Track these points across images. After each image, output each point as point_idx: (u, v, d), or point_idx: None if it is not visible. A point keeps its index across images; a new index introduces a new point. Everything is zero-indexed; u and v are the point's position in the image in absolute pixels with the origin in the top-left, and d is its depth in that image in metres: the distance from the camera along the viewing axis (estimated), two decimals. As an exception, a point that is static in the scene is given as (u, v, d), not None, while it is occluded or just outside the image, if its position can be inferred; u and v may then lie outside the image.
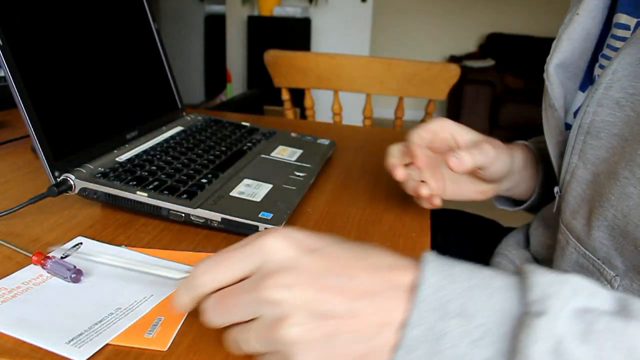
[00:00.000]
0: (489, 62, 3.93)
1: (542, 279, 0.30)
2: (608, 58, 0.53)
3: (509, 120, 3.59)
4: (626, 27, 0.51)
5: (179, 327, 0.39)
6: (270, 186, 0.61)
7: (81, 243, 0.50)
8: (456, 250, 0.79)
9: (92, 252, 0.49)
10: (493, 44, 4.30)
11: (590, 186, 0.51)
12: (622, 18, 0.51)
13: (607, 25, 0.54)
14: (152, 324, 0.39)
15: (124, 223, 0.55)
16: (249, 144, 0.74)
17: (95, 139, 0.62)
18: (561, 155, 0.56)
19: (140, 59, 0.75)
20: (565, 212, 0.54)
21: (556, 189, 0.58)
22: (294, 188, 0.62)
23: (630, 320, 0.29)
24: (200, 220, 0.53)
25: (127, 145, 0.66)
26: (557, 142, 0.57)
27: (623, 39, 0.51)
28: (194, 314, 0.37)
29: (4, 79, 0.53)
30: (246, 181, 0.62)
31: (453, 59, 4.35)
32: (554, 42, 0.56)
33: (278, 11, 3.79)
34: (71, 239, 0.51)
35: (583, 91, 0.57)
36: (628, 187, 0.44)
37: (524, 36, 4.16)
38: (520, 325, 0.29)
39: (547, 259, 0.60)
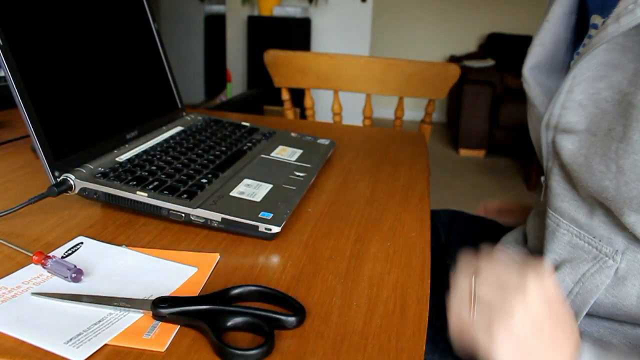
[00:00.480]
0: (489, 62, 3.93)
1: None
2: None
3: (508, 120, 3.58)
4: (596, 27, 0.54)
5: (177, 328, 0.39)
6: (270, 186, 0.61)
7: (82, 243, 0.50)
8: (458, 248, 0.79)
9: (92, 251, 0.49)
10: (493, 44, 4.29)
11: (569, 171, 0.54)
12: (596, 19, 0.54)
13: (584, 26, 0.57)
14: (151, 325, 0.39)
15: (124, 223, 0.55)
16: (249, 144, 0.74)
17: (95, 139, 0.62)
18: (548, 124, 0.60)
19: (140, 59, 0.75)
20: (551, 197, 0.57)
21: (542, 178, 0.61)
22: (294, 188, 0.62)
23: None
24: (200, 220, 0.53)
25: (127, 145, 0.66)
26: (539, 137, 0.60)
27: None
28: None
29: (4, 79, 0.53)
30: (246, 181, 0.62)
31: (453, 59, 4.35)
32: (529, 47, 0.61)
33: (278, 11, 3.79)
34: (71, 239, 0.51)
35: None
36: (604, 181, 0.47)
37: (524, 36, 4.15)
38: None
39: (542, 252, 0.61)
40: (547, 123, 0.56)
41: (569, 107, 0.53)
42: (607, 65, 0.49)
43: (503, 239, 0.72)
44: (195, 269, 0.47)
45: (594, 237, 0.52)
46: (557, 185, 0.56)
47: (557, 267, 0.56)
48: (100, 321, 0.39)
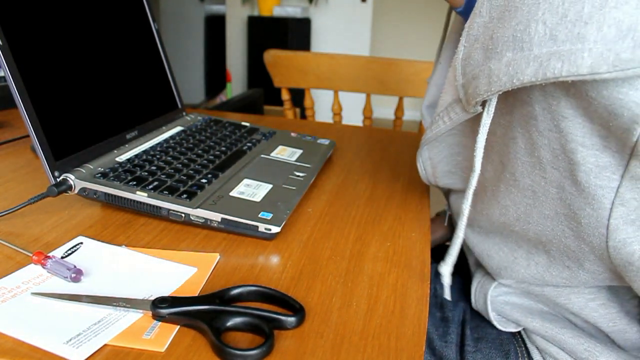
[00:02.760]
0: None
1: None
2: None
3: (509, 120, 3.58)
4: None
5: (177, 328, 0.39)
6: (270, 186, 0.61)
7: (82, 243, 0.50)
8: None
9: (92, 251, 0.49)
10: (493, 44, 4.29)
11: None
12: None
13: None
14: (150, 325, 0.39)
15: (124, 223, 0.55)
16: (249, 144, 0.74)
17: (95, 139, 0.62)
18: (429, 182, 0.69)
19: (140, 59, 0.75)
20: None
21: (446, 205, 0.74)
22: (294, 188, 0.62)
23: None
24: (200, 220, 0.53)
25: (127, 145, 0.66)
26: None
27: None
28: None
29: (4, 79, 0.53)
30: (246, 181, 0.62)
31: (453, 59, 4.34)
32: (427, 87, 0.67)
33: (278, 11, 3.79)
34: (71, 239, 0.51)
35: None
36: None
37: (524, 36, 4.15)
38: None
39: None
40: (428, 183, 0.65)
41: (439, 175, 0.62)
42: (457, 145, 0.57)
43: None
44: (195, 269, 0.47)
45: None
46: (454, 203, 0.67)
47: (474, 271, 0.65)
48: (100, 321, 0.39)
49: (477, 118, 0.48)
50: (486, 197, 0.53)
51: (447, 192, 0.70)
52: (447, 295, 0.54)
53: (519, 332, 0.61)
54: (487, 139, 0.49)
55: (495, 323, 0.60)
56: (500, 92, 0.39)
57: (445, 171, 0.61)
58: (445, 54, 0.64)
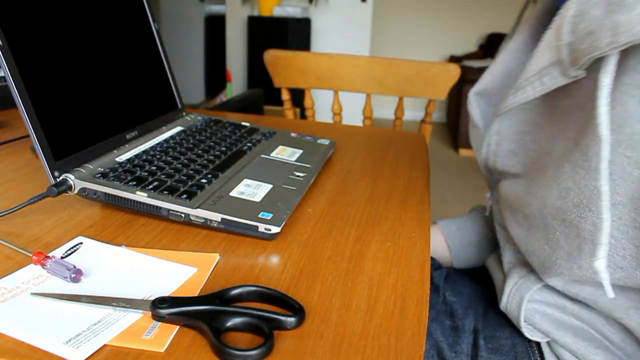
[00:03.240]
0: (489, 62, 3.93)
1: None
2: None
3: (509, 120, 3.58)
4: None
5: (177, 329, 0.39)
6: (270, 186, 0.61)
7: (82, 243, 0.50)
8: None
9: (92, 251, 0.49)
10: (493, 44, 4.30)
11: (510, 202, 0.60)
12: None
13: None
14: (150, 326, 0.39)
15: (124, 223, 0.55)
16: (249, 144, 0.74)
17: (95, 139, 0.62)
18: (487, 164, 0.66)
19: (140, 59, 0.75)
20: (496, 215, 0.65)
21: (488, 194, 0.69)
22: (294, 188, 0.62)
23: None
24: (200, 220, 0.53)
25: (127, 145, 0.66)
26: (481, 159, 0.67)
27: None
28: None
29: (4, 79, 0.53)
30: (246, 181, 0.62)
31: (453, 59, 4.35)
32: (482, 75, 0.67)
33: (278, 11, 3.79)
34: (71, 239, 0.51)
35: None
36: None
37: (524, 36, 4.15)
38: None
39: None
40: (485, 166, 0.63)
41: (501, 155, 0.60)
42: (529, 123, 0.55)
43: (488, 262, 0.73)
44: (194, 269, 0.47)
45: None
46: (499, 209, 0.63)
47: (509, 270, 0.62)
48: (99, 321, 0.39)
49: (554, 96, 0.45)
50: (544, 178, 0.49)
51: (495, 180, 0.66)
52: (610, 293, 0.46)
53: (537, 345, 0.59)
54: (570, 115, 0.44)
55: (524, 330, 0.57)
56: (629, 45, 0.37)
57: (508, 150, 0.59)
58: (512, 45, 0.62)
